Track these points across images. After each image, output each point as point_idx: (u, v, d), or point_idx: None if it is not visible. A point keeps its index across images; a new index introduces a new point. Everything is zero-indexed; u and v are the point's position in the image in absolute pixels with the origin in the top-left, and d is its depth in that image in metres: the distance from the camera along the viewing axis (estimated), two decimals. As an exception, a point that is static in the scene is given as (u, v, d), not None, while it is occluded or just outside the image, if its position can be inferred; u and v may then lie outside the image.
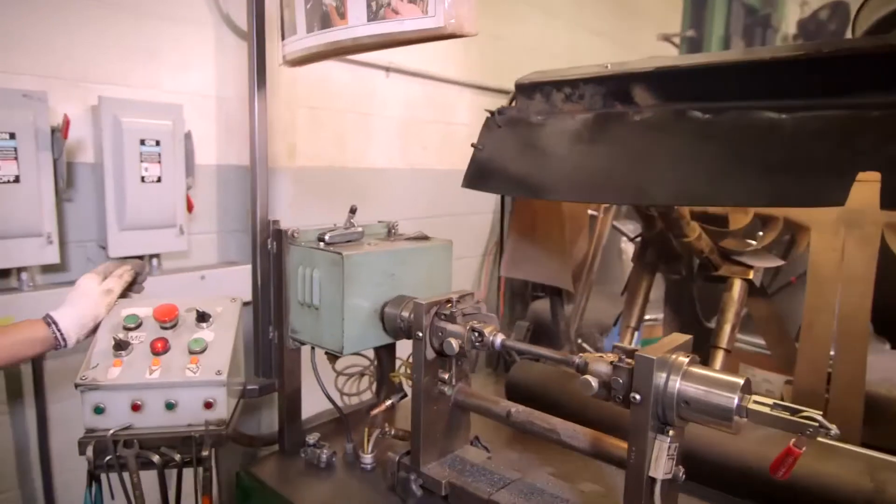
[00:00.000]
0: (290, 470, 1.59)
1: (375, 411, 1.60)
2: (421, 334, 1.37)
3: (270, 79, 2.50)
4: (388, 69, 3.19)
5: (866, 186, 1.05)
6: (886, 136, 0.95)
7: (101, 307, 1.44)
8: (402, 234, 1.76)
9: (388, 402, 1.60)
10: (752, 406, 0.98)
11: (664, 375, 1.04)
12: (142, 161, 2.11)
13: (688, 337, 1.14)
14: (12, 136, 1.82)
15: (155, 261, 2.32)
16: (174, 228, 2.27)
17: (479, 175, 1.45)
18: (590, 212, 2.11)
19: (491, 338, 1.35)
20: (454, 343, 1.32)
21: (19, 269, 1.97)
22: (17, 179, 1.84)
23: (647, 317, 2.76)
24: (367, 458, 1.59)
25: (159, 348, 1.38)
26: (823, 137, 1.01)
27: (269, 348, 1.64)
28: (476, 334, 1.35)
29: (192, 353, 1.38)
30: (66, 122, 1.91)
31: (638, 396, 1.03)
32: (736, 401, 0.98)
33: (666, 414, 1.04)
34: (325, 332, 1.51)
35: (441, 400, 1.44)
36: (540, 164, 1.37)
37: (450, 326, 1.36)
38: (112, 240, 2.12)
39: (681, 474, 1.13)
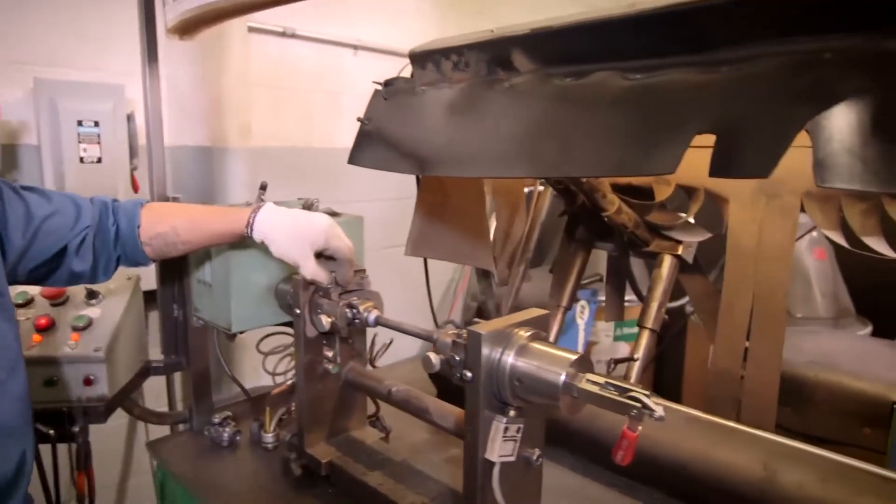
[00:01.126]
0: (190, 448, 1.58)
1: (276, 391, 1.57)
2: (298, 311, 1.33)
3: (218, 56, 2.50)
4: (355, 47, 3.14)
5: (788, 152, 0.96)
6: (725, 94, 0.86)
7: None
8: (329, 211, 1.73)
9: (290, 382, 1.58)
10: (583, 385, 0.91)
11: (498, 351, 0.97)
12: (80, 142, 2.13)
13: (544, 312, 1.07)
14: (-61, 117, 1.85)
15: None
16: (119, 209, 2.28)
17: (364, 150, 1.40)
18: (526, 189, 2.03)
19: (366, 314, 1.30)
20: (324, 320, 1.28)
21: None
22: (-55, 161, 1.88)
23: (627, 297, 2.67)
24: (269, 438, 1.57)
25: (43, 325, 1.38)
26: (665, 99, 0.92)
27: (175, 326, 1.63)
28: (351, 310, 1.31)
29: (74, 329, 1.38)
30: (-5, 104, 1.93)
31: (469, 374, 0.97)
32: (563, 378, 0.91)
33: (502, 392, 0.98)
34: (218, 309, 1.48)
35: (328, 379, 1.41)
36: (418, 137, 1.31)
37: (326, 303, 1.32)
38: (53, 220, 2.14)
39: (535, 458, 1.06)
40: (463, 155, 1.19)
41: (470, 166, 1.16)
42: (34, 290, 1.45)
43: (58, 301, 1.44)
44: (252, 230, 1.26)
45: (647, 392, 0.87)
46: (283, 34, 2.81)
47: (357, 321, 1.32)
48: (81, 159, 2.14)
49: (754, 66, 0.85)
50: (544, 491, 1.37)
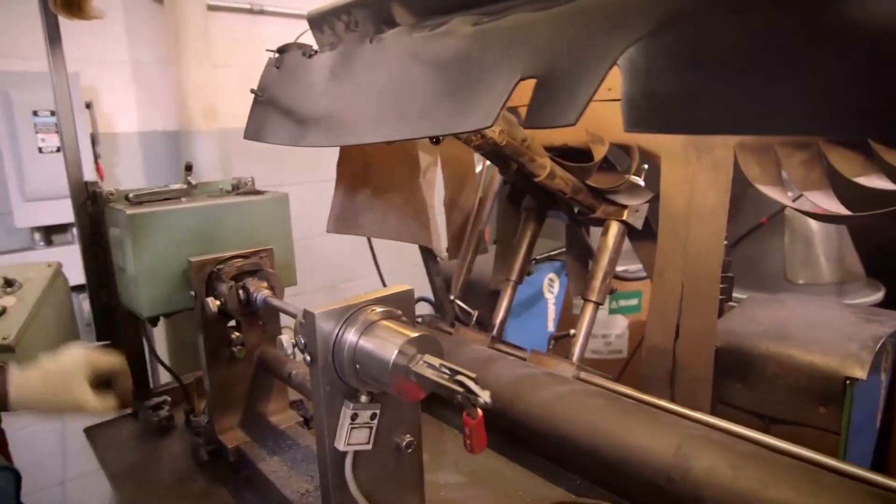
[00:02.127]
0: (124, 433, 1.58)
1: (201, 374, 1.54)
2: (194, 293, 1.29)
3: (180, 39, 2.46)
4: (331, 21, 3.06)
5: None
6: (550, 33, 0.74)
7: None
8: (250, 190, 1.67)
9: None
10: (417, 367, 0.82)
11: (340, 331, 0.90)
12: (37, 132, 2.14)
13: (406, 288, 0.98)
14: None
15: (75, 229, 2.37)
16: (83, 197, 2.30)
17: (256, 123, 1.33)
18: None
19: (255, 295, 1.25)
20: (211, 303, 1.23)
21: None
22: None
23: (619, 268, 2.54)
24: (200, 422, 1.55)
25: (-44, 315, 1.38)
26: (494, 45, 0.81)
27: (104, 312, 1.62)
28: (242, 292, 1.25)
29: (-14, 318, 1.38)
30: (-57, 98, 1.96)
31: (308, 357, 0.90)
32: (393, 358, 0.83)
33: (346, 376, 0.91)
34: (132, 294, 1.46)
35: (238, 363, 1.36)
36: (301, 105, 1.23)
37: (220, 285, 1.27)
38: (17, 211, 2.18)
39: (405, 444, 0.99)
40: (333, 121, 1.11)
41: (335, 133, 1.08)
42: (-48, 279, 1.46)
43: (-24, 290, 1.44)
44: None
45: (473, 376, 0.78)
46: (249, 10, 2.75)
47: (249, 303, 1.27)
48: (40, 149, 2.16)
49: (583, -5, 0.73)
50: (466, 475, 1.31)
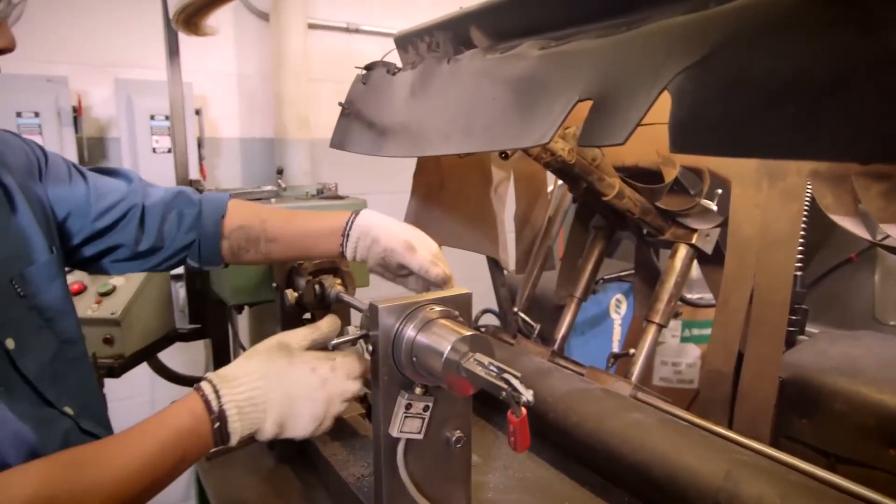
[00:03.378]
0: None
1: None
2: (275, 285, 1.41)
3: (281, 54, 2.67)
4: (421, 40, 3.20)
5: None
6: (607, 58, 0.79)
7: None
8: (333, 195, 1.81)
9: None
10: (468, 364, 0.88)
11: (400, 325, 0.97)
12: (152, 134, 2.39)
13: (465, 291, 1.05)
14: (37, 114, 2.17)
15: (178, 224, 2.62)
16: (187, 195, 2.53)
17: (341, 134, 1.44)
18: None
19: (329, 290, 1.35)
20: (290, 295, 1.35)
21: (55, 228, 2.35)
22: (41, 151, 2.20)
23: (693, 296, 2.50)
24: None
25: (75, 290, 1.58)
26: (558, 68, 0.86)
27: (198, 299, 1.79)
28: (318, 287, 1.36)
29: (100, 294, 1.57)
30: (80, 103, 2.23)
31: (370, 347, 0.98)
32: (446, 353, 0.89)
33: (403, 368, 0.98)
34: (222, 283, 1.61)
35: (309, 352, 1.47)
36: (382, 118, 1.33)
37: (298, 279, 1.39)
38: (131, 204, 2.43)
39: (454, 439, 1.05)
40: (409, 134, 1.20)
41: (410, 145, 1.17)
42: (74, 259, 1.67)
43: (94, 270, 1.64)
44: (351, 227, 1.14)
45: (518, 374, 0.82)
46: (346, 29, 2.93)
47: (324, 298, 1.37)
48: (154, 150, 2.41)
49: (640, 26, 0.78)
50: (515, 481, 1.35)
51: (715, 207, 1.55)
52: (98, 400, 1.08)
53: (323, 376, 0.93)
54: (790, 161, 1.22)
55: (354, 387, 0.97)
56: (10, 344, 0.86)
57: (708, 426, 1.25)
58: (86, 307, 1.55)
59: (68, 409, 0.94)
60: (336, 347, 0.99)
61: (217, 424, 0.81)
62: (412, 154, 1.20)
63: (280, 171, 1.72)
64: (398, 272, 1.19)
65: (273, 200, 1.66)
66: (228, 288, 1.54)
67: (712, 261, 1.60)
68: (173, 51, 1.65)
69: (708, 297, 2.50)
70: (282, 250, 1.19)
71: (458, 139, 1.02)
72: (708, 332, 2.79)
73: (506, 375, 0.83)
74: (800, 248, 1.67)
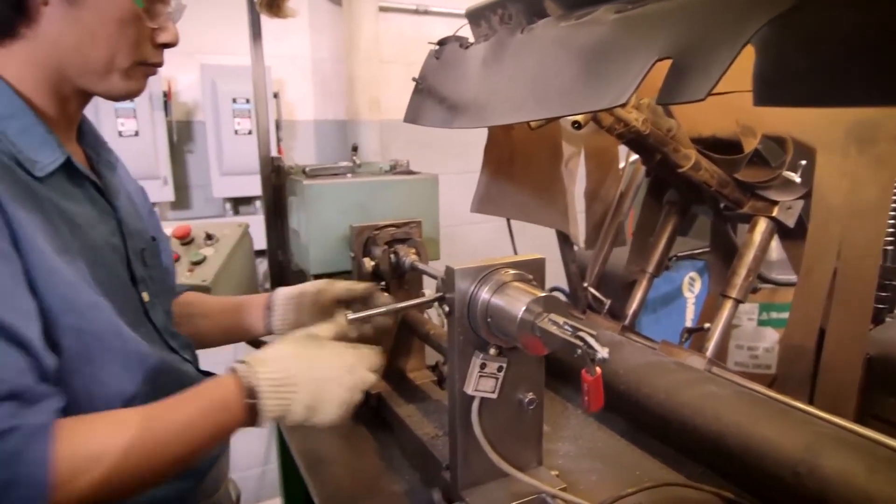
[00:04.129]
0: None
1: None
2: (353, 255, 1.48)
3: (353, 37, 2.74)
4: (489, 19, 3.20)
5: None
6: (687, 15, 0.79)
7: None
8: (405, 170, 1.86)
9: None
10: (542, 324, 0.91)
11: (475, 288, 1.00)
12: (234, 117, 2.52)
13: (539, 256, 1.07)
14: (131, 99, 2.33)
15: (257, 202, 2.75)
16: (266, 174, 2.66)
17: (415, 109, 1.48)
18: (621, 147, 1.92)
19: (404, 259, 1.40)
20: (367, 263, 1.41)
21: (148, 205, 2.53)
22: (136, 134, 2.36)
23: (780, 277, 2.40)
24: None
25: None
26: (634, 29, 0.86)
27: (279, 269, 1.89)
28: (393, 256, 1.41)
29: (192, 263, 1.69)
30: (169, 88, 2.37)
31: (447, 307, 1.02)
32: (521, 313, 0.91)
33: (478, 329, 1.01)
34: (302, 253, 1.70)
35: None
36: (454, 91, 1.35)
37: (374, 248, 1.45)
38: (215, 183, 2.58)
39: (527, 400, 1.08)
40: (480, 105, 1.22)
41: (481, 116, 1.19)
42: (168, 230, 1.80)
43: (185, 240, 1.76)
44: (274, 295, 1.25)
45: (593, 332, 0.84)
46: (415, 11, 2.97)
47: (399, 266, 1.42)
48: (236, 132, 2.53)
49: (724, -21, 0.77)
50: (585, 450, 1.36)
51: (798, 179, 1.49)
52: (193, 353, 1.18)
53: (350, 363, 0.95)
54: (881, 126, 1.16)
55: (373, 378, 0.98)
56: (145, 297, 0.98)
57: (787, 400, 1.22)
58: (180, 274, 1.67)
59: (187, 356, 1.05)
60: (353, 322, 1.05)
61: (250, 401, 0.84)
62: (485, 124, 1.22)
63: (355, 148, 1.79)
64: (327, 310, 1.24)
65: (349, 175, 1.72)
66: (310, 259, 1.62)
67: (794, 235, 1.54)
68: (256, 34, 1.74)
69: (788, 277, 2.40)
70: (208, 325, 1.24)
71: (532, 107, 1.03)
72: (787, 315, 2.69)
73: (581, 334, 0.85)
74: (891, 220, 1.59)
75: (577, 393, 1.58)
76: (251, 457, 2.88)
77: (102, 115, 2.25)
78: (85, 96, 0.94)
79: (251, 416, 0.84)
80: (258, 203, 2.74)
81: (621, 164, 1.99)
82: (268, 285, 1.98)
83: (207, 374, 1.09)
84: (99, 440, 0.74)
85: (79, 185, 0.92)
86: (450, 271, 1.00)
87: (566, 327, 0.88)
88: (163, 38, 0.92)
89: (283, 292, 1.26)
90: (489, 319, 0.99)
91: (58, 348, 0.80)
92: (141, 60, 0.90)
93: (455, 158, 3.17)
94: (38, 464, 0.68)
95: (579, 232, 1.89)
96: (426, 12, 2.99)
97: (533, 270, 1.05)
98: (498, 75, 1.22)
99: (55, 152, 0.86)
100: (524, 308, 0.92)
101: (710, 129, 1.55)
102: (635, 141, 1.52)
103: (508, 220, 1.86)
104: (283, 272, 1.89)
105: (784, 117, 1.37)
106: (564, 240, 1.85)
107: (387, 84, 2.90)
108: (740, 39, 0.69)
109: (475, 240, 3.22)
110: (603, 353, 0.82)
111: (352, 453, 1.37)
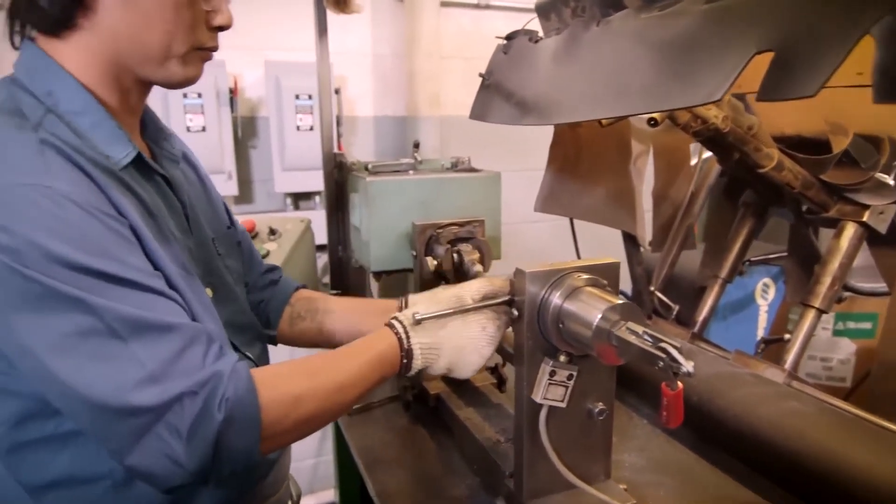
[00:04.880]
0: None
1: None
2: (415, 253, 1.46)
3: (414, 33, 2.73)
4: (551, 13, 3.13)
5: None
6: (791, 4, 0.72)
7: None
8: (467, 168, 1.83)
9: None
10: (620, 332, 0.86)
11: (546, 292, 0.96)
12: (297, 113, 2.55)
13: (614, 260, 1.02)
14: (199, 95, 2.39)
15: (317, 198, 2.78)
16: (326, 170, 2.68)
17: (482, 105, 1.45)
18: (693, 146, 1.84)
19: (468, 265, 1.37)
20: (429, 262, 1.39)
21: (213, 199, 2.59)
22: (203, 129, 2.42)
23: (866, 285, 2.26)
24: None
25: (235, 253, 1.73)
26: (730, 20, 0.80)
27: (339, 265, 1.90)
28: (455, 255, 1.39)
29: (256, 258, 1.71)
30: (235, 84, 2.42)
31: (515, 311, 0.99)
32: (597, 321, 0.87)
33: (548, 335, 0.97)
34: (363, 250, 1.69)
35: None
36: (524, 87, 1.31)
37: (438, 248, 1.42)
38: (277, 178, 2.62)
39: (597, 411, 1.03)
40: (553, 101, 1.18)
41: (554, 112, 1.15)
42: (234, 226, 1.83)
43: (250, 235, 1.78)
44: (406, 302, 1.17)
45: (677, 345, 0.79)
46: (476, 6, 2.93)
47: (463, 267, 1.40)
48: (298, 127, 2.56)
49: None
50: (652, 462, 1.30)
51: (893, 181, 1.38)
52: (266, 354, 1.18)
53: (491, 334, 1.03)
54: None
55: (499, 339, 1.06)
56: (208, 292, 0.98)
57: (880, 422, 1.13)
58: (244, 269, 1.69)
59: (249, 354, 1.05)
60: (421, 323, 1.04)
61: (405, 361, 0.97)
62: (557, 121, 1.18)
63: (416, 145, 1.77)
64: None
65: (411, 172, 1.71)
66: (371, 256, 1.61)
67: (886, 242, 1.43)
68: (322, 31, 1.74)
69: (869, 286, 2.25)
70: (334, 321, 1.24)
71: (611, 103, 0.98)
72: (866, 325, 2.52)
73: (663, 345, 0.80)
74: None
75: (642, 402, 1.52)
76: (305, 448, 2.92)
77: (172, 110, 2.32)
78: (145, 87, 0.94)
79: (404, 368, 0.98)
80: (318, 198, 2.77)
81: (692, 161, 1.91)
82: (326, 280, 1.99)
83: None
84: (296, 385, 0.85)
85: (149, 179, 0.93)
86: (520, 274, 0.97)
87: (646, 337, 0.83)
88: (218, 20, 0.91)
89: (417, 298, 1.20)
90: (561, 326, 0.95)
91: None
92: (197, 45, 0.90)
93: (514, 155, 3.12)
94: (251, 404, 0.77)
95: (646, 233, 1.82)
96: (487, 7, 2.95)
97: (606, 275, 1.00)
98: (571, 70, 1.17)
99: (126, 147, 0.87)
100: (600, 316, 0.87)
101: (793, 127, 1.46)
102: (713, 139, 1.44)
103: (571, 220, 1.81)
104: (343, 268, 1.90)
105: (881, 115, 1.27)
106: (631, 241, 1.78)
107: (446, 79, 2.87)
108: (857, 29, 0.62)
109: (532, 238, 3.16)
110: (688, 366, 0.77)
111: (411, 454, 1.36)
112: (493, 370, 1.61)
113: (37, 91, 0.83)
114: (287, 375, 0.88)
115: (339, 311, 1.25)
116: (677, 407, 0.86)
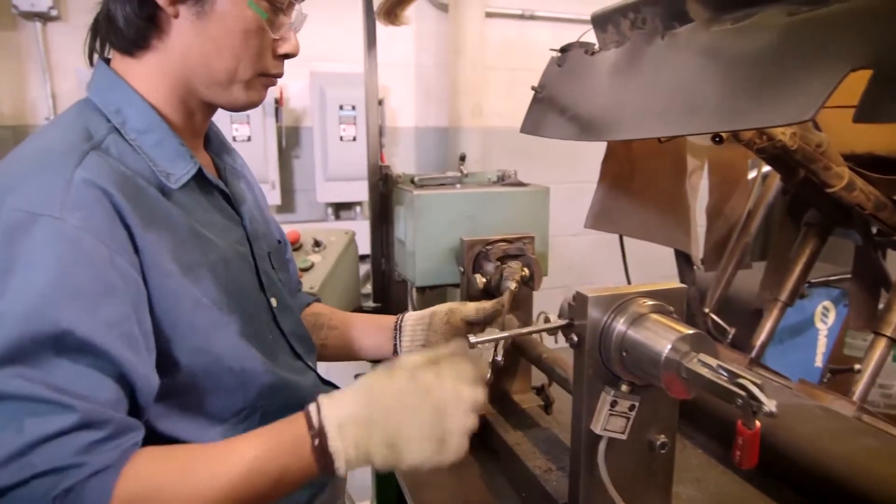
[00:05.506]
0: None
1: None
2: (462, 270, 1.43)
3: (458, 43, 2.71)
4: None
5: None
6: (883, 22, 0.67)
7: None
8: (514, 182, 1.80)
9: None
10: (692, 365, 0.81)
11: (609, 318, 0.92)
12: (340, 123, 2.55)
13: (679, 286, 0.97)
14: (245, 105, 2.40)
15: (358, 208, 2.77)
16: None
17: (535, 118, 1.41)
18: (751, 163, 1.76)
19: (506, 279, 1.33)
20: (478, 280, 1.35)
21: (255, 208, 2.60)
22: (249, 139, 2.44)
23: None
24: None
25: (280, 264, 1.73)
26: (820, 34, 0.75)
27: (382, 278, 1.88)
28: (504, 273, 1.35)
29: (300, 270, 1.70)
30: (281, 95, 2.43)
31: (575, 337, 0.94)
32: (667, 352, 0.82)
33: (610, 363, 0.92)
34: (407, 264, 1.67)
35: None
36: (582, 101, 1.27)
37: (486, 264, 1.39)
38: (319, 188, 2.62)
39: (658, 443, 0.98)
40: (617, 117, 1.13)
41: (619, 128, 1.10)
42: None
43: (294, 247, 1.78)
44: (403, 318, 1.25)
45: (758, 381, 0.73)
46: (521, 16, 2.90)
47: (501, 284, 1.35)
48: (341, 138, 2.56)
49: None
50: (709, 495, 1.24)
51: (975, 204, 1.30)
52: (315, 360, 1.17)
53: (425, 385, 0.79)
54: None
55: (471, 392, 0.83)
56: (273, 302, 0.99)
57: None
58: (288, 281, 1.69)
59: (311, 364, 1.05)
60: (475, 346, 0.92)
61: (317, 441, 0.74)
62: (620, 137, 1.13)
63: (462, 158, 1.74)
64: (459, 330, 1.20)
65: (458, 186, 1.68)
66: (416, 270, 1.58)
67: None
68: (371, 43, 1.73)
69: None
70: (337, 337, 1.23)
71: (680, 120, 0.94)
72: (930, 352, 2.39)
73: (742, 381, 0.74)
74: None
75: (697, 430, 1.45)
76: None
77: (218, 120, 2.33)
78: (209, 108, 0.95)
79: (322, 458, 0.75)
80: (358, 208, 2.76)
81: (750, 175, 1.83)
82: (368, 288, 1.97)
83: (328, 384, 1.10)
84: (161, 479, 0.70)
85: (208, 194, 0.94)
86: (581, 298, 0.92)
87: (721, 371, 0.78)
88: (284, 48, 0.92)
89: (413, 315, 1.25)
90: (624, 354, 0.90)
91: (177, 366, 0.81)
92: (262, 71, 0.91)
93: (555, 166, 3.07)
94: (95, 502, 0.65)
95: (699, 252, 1.75)
96: (532, 17, 2.92)
97: (672, 301, 0.95)
98: (634, 85, 1.12)
99: (188, 164, 0.88)
100: (670, 346, 0.82)
101: (865, 146, 1.38)
102: (779, 157, 1.38)
103: (621, 237, 1.75)
104: (386, 281, 1.88)
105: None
106: (684, 260, 1.71)
107: (489, 90, 2.84)
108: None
109: (573, 252, 3.11)
110: (770, 406, 0.72)
111: (456, 478, 1.31)
112: (540, 391, 1.56)
113: (106, 109, 0.84)
114: (161, 467, 0.71)
115: (341, 327, 1.25)
116: (753, 447, 0.80)
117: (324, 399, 0.78)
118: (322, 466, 0.75)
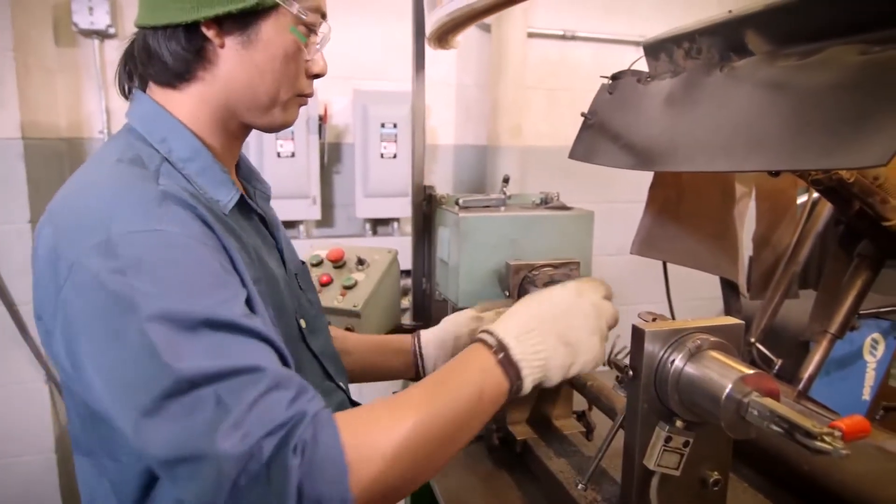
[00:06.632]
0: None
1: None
2: (508, 294, 1.43)
3: (500, 63, 2.73)
4: (638, 43, 3.06)
5: None
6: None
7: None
8: (558, 205, 1.80)
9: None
10: (754, 406, 0.80)
11: (667, 353, 0.91)
12: (382, 141, 2.58)
13: (737, 322, 0.96)
14: (291, 122, 2.46)
15: (395, 224, 2.80)
16: (407, 197, 2.70)
17: (584, 145, 1.41)
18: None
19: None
20: (524, 304, 1.35)
21: (296, 222, 2.65)
22: (293, 155, 2.48)
23: None
24: (487, 410, 1.70)
25: (324, 282, 1.75)
26: (888, 79, 0.74)
27: (422, 297, 1.89)
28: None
29: (344, 287, 1.72)
30: (325, 112, 2.48)
31: (631, 371, 0.94)
32: (728, 391, 0.81)
33: (666, 398, 0.92)
34: (450, 284, 1.67)
35: (534, 363, 1.47)
36: (634, 130, 1.27)
37: (531, 289, 1.39)
38: (358, 204, 2.66)
39: (711, 480, 0.96)
40: (672, 148, 1.13)
41: (677, 159, 1.10)
42: (323, 252, 1.85)
43: (338, 264, 1.81)
44: (420, 339, 1.31)
45: (832, 431, 0.72)
46: (562, 37, 2.91)
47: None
48: (382, 155, 2.60)
49: None
50: (755, 534, 1.21)
51: None
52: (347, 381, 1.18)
53: (577, 289, 0.94)
54: None
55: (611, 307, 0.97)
56: (302, 323, 1.01)
57: None
58: (331, 298, 1.71)
59: (341, 384, 1.05)
60: None
61: (501, 355, 0.84)
62: (680, 169, 1.13)
63: (506, 180, 1.74)
64: None
65: (502, 209, 1.68)
66: (459, 291, 1.59)
67: None
68: (420, 66, 1.76)
69: None
70: (350, 362, 1.23)
71: (742, 154, 0.93)
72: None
73: (808, 427, 0.73)
74: None
75: (745, 465, 1.42)
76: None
77: (265, 136, 2.39)
78: (246, 131, 0.98)
79: (508, 365, 0.84)
80: (395, 224, 2.79)
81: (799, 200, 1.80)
82: (406, 303, 1.99)
83: (356, 405, 1.10)
84: (381, 431, 0.74)
85: (248, 219, 0.96)
86: (638, 332, 0.92)
87: (781, 420, 0.77)
88: (315, 69, 0.96)
89: (431, 336, 1.28)
90: (680, 391, 0.89)
91: None
92: (298, 92, 0.94)
93: (592, 186, 3.05)
94: (333, 446, 0.68)
95: (745, 280, 1.72)
96: (574, 37, 2.92)
97: (729, 337, 0.94)
98: (691, 116, 1.12)
99: (230, 190, 0.90)
100: (731, 386, 0.81)
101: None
102: (832, 189, 1.36)
103: (665, 264, 1.73)
104: (426, 300, 1.89)
105: None
106: (730, 288, 1.69)
107: (528, 109, 2.86)
108: None
109: (608, 272, 3.07)
110: (843, 451, 0.70)
111: (496, 501, 1.31)
112: (581, 416, 1.55)
113: (152, 139, 0.87)
114: (374, 420, 0.77)
115: (355, 352, 1.27)
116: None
117: (489, 326, 0.88)
118: (511, 379, 0.84)
